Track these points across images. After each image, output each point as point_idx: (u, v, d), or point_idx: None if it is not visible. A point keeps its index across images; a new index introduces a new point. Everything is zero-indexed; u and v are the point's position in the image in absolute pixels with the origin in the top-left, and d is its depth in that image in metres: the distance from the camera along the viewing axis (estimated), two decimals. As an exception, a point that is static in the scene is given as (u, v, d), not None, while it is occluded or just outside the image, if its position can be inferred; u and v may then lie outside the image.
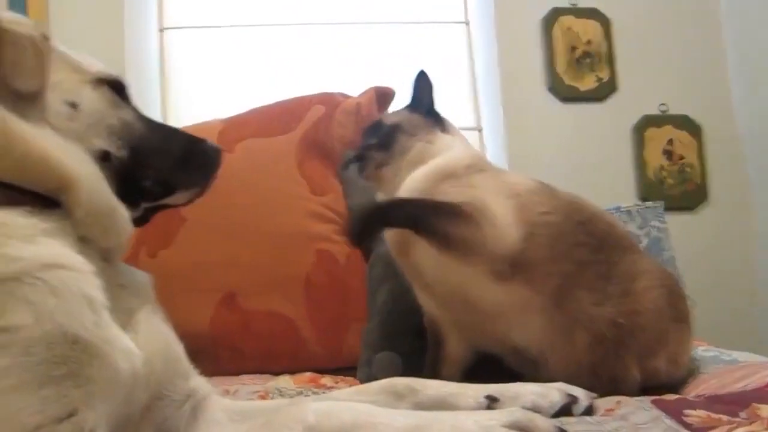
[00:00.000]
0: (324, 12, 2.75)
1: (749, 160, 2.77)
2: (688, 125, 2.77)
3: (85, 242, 0.78)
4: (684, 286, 2.32)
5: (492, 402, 0.91)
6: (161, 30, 2.73)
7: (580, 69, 2.78)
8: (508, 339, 1.10)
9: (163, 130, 1.00)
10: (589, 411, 0.93)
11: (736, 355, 1.27)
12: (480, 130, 2.72)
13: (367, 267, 1.51)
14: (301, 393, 1.24)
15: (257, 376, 1.38)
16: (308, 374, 1.44)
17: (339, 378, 1.43)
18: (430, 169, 1.19)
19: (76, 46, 2.61)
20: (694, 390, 1.09)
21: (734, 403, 0.87)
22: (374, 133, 1.30)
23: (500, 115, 2.68)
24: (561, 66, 2.78)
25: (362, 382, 1.34)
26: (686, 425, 0.81)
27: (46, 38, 0.86)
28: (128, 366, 0.71)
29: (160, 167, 0.95)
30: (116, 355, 0.69)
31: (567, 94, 2.76)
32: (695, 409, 0.86)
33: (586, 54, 2.80)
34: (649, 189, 2.70)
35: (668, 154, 2.76)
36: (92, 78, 0.91)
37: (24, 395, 0.61)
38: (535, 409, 0.87)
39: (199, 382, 0.91)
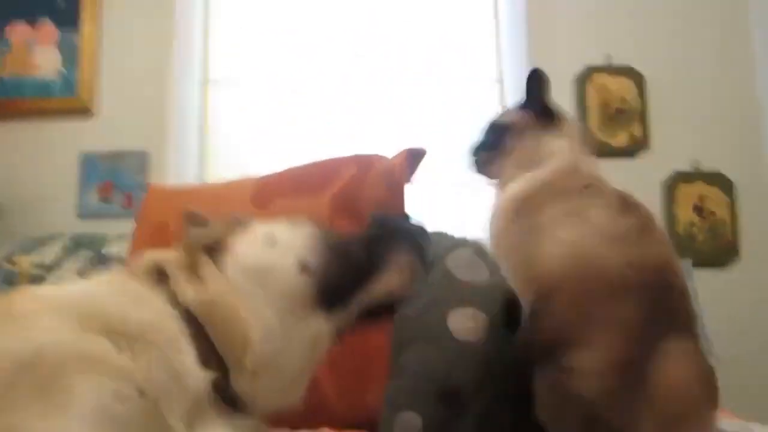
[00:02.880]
0: (362, 67, 2.84)
1: (782, 218, 2.75)
2: (720, 181, 2.78)
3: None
4: (711, 344, 2.32)
5: None
6: (205, 83, 2.84)
7: (612, 125, 2.82)
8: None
9: (353, 233, 1.09)
10: None
11: (758, 430, 1.27)
12: (510, 184, 2.76)
13: (393, 327, 1.55)
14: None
15: (276, 429, 1.42)
16: (326, 430, 1.47)
17: (358, 434, 1.46)
18: (534, 182, 1.18)
19: (123, 98, 2.76)
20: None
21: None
22: (487, 132, 1.33)
23: (532, 171, 2.71)
24: (594, 123, 2.81)
25: (382, 442, 1.37)
26: None
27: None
28: None
29: (356, 253, 1.01)
30: None
31: (599, 150, 2.77)
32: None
33: (620, 111, 2.84)
34: (679, 245, 2.70)
35: (699, 210, 2.76)
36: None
37: None
38: None
39: None
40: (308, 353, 0.98)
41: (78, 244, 2.09)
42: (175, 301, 0.90)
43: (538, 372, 1.23)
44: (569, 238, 1.10)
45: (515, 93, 2.86)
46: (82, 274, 1.95)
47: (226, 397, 0.90)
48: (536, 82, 1.27)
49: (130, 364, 0.78)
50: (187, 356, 0.85)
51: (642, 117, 2.84)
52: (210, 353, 0.88)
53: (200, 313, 0.90)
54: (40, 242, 2.10)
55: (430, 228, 1.78)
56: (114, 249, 2.06)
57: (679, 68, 2.88)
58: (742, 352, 2.60)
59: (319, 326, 0.98)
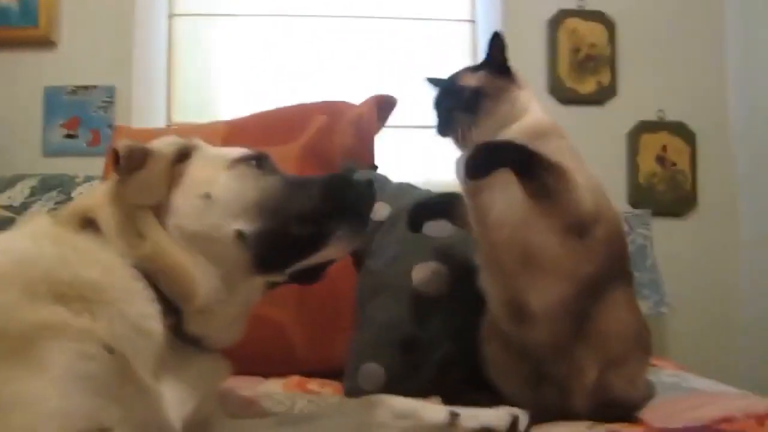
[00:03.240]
0: (330, 5, 2.80)
1: (740, 170, 2.84)
2: (683, 132, 2.84)
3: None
4: (665, 293, 2.43)
5: (454, 416, 1.07)
6: (170, 16, 2.77)
7: (582, 72, 2.84)
8: (523, 294, 1.18)
9: (301, 183, 1.05)
10: (528, 427, 1.10)
11: (695, 383, 1.37)
12: (479, 130, 2.79)
13: (358, 279, 1.60)
14: (289, 398, 1.35)
15: (248, 378, 1.48)
16: (296, 378, 1.54)
17: (326, 382, 1.53)
18: (521, 128, 1.24)
19: (87, 29, 2.69)
20: (648, 414, 1.19)
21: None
22: (454, 96, 1.31)
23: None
24: (563, 68, 2.83)
25: (347, 392, 1.44)
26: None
27: (193, 148, 1.04)
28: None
29: (300, 216, 1.00)
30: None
31: (567, 97, 2.82)
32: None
33: (589, 57, 2.85)
34: (639, 194, 2.78)
35: (661, 160, 2.82)
36: (228, 163, 1.02)
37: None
38: (490, 426, 1.06)
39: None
40: (243, 303, 1.04)
41: (46, 185, 2.08)
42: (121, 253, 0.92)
43: (488, 328, 1.31)
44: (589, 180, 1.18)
45: (487, 34, 2.84)
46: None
47: (183, 338, 0.96)
48: (498, 45, 1.31)
49: (92, 324, 0.81)
50: (144, 306, 0.89)
51: (611, 64, 2.86)
52: (161, 300, 0.92)
53: (145, 265, 0.92)
54: (7, 183, 2.08)
55: (398, 177, 1.83)
56: (83, 191, 2.06)
57: (650, 17, 2.88)
58: (696, 301, 2.72)
59: (254, 284, 1.04)
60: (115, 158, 0.96)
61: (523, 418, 1.10)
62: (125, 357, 0.82)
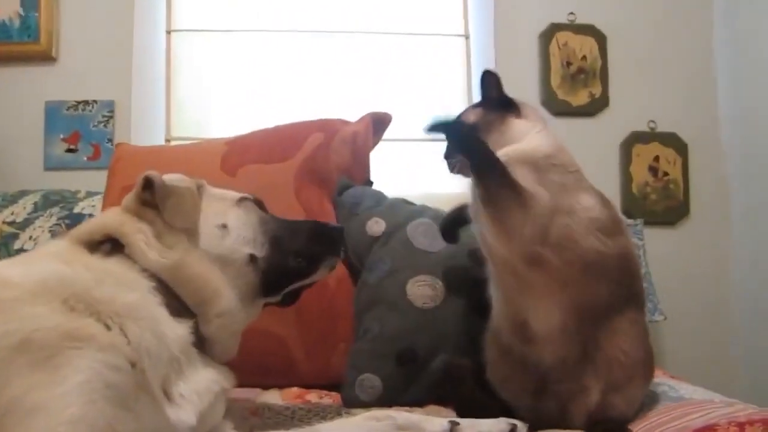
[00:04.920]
0: (326, 21, 2.84)
1: (731, 179, 2.88)
2: (675, 143, 2.88)
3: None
4: (658, 300, 2.47)
5: (454, 426, 1.12)
6: (168, 32, 2.81)
7: (574, 84, 2.88)
8: (525, 314, 1.22)
9: (292, 224, 1.27)
10: None
11: (684, 391, 1.40)
12: (473, 142, 2.83)
13: (355, 292, 1.64)
14: (288, 409, 1.39)
15: (248, 389, 1.52)
16: (296, 389, 1.58)
17: (324, 393, 1.57)
18: (506, 151, 1.27)
19: (86, 45, 2.72)
20: (638, 424, 1.22)
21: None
22: (453, 135, 1.33)
23: (494, 128, 2.78)
24: (555, 81, 2.88)
25: (345, 402, 1.48)
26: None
27: (200, 187, 1.20)
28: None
29: (297, 252, 1.21)
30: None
31: (559, 109, 2.86)
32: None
33: (581, 70, 2.90)
34: (632, 204, 2.82)
35: (653, 170, 2.87)
36: (235, 201, 1.21)
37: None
38: None
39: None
40: (246, 321, 1.20)
41: (49, 201, 2.11)
42: (137, 265, 1.03)
43: (491, 336, 1.34)
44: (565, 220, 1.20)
45: (482, 50, 2.90)
46: (54, 233, 1.98)
47: (199, 344, 1.05)
48: (490, 81, 1.35)
49: (120, 338, 0.87)
50: (164, 318, 0.99)
51: (603, 76, 2.90)
52: (179, 307, 1.04)
53: (166, 275, 1.05)
54: (10, 199, 2.12)
55: (393, 190, 1.87)
56: (85, 207, 2.09)
57: (640, 29, 2.93)
58: (688, 309, 2.76)
59: (258, 304, 1.22)
60: (145, 185, 1.10)
61: (522, 428, 1.14)
62: (144, 372, 0.88)
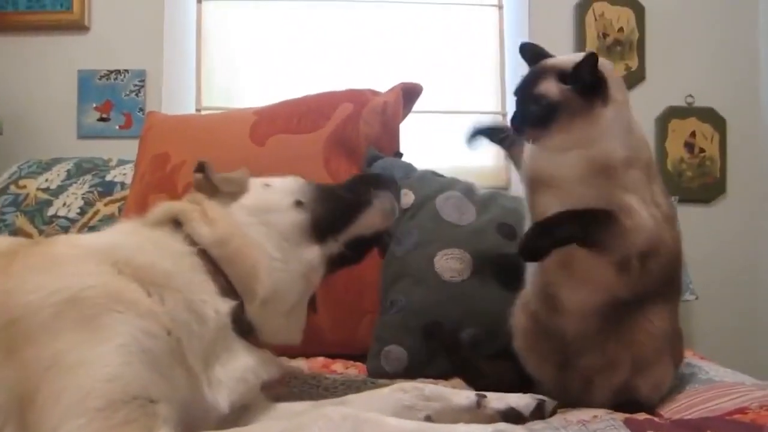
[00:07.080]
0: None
1: (770, 157, 2.81)
2: (713, 118, 2.81)
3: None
4: (691, 280, 2.43)
5: (481, 398, 1.10)
6: (199, 1, 2.81)
7: (610, 57, 2.80)
8: (557, 288, 1.22)
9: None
10: (553, 412, 1.14)
11: (713, 373, 1.38)
12: (504, 115, 2.79)
13: (383, 265, 1.63)
14: (315, 378, 1.40)
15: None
16: (321, 359, 1.59)
17: (350, 363, 1.58)
18: (585, 158, 1.17)
19: (118, 14, 2.73)
20: (667, 406, 1.21)
21: (692, 429, 1.00)
22: (531, 102, 1.20)
23: (526, 101, 2.73)
24: (591, 53, 2.81)
25: (370, 373, 1.49)
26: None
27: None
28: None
29: (345, 186, 1.24)
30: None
31: (594, 82, 2.79)
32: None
33: (617, 42, 2.83)
34: (667, 181, 2.73)
35: (690, 146, 2.80)
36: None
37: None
38: (516, 408, 1.10)
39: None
40: (305, 281, 1.16)
41: (81, 168, 2.14)
42: (192, 243, 1.06)
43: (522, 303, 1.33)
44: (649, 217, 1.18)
45: (515, 20, 2.84)
46: (87, 201, 2.01)
47: (241, 327, 1.06)
48: (591, 63, 1.15)
49: (159, 306, 0.92)
50: (207, 294, 1.01)
51: (640, 49, 2.83)
52: (227, 286, 1.05)
53: (215, 251, 1.06)
54: (44, 167, 2.15)
55: (423, 163, 1.85)
56: (116, 175, 2.12)
57: (679, 0, 2.85)
58: (721, 289, 2.71)
59: (313, 255, 1.16)
60: (199, 167, 1.17)
61: (549, 404, 1.14)
62: (180, 341, 0.92)
